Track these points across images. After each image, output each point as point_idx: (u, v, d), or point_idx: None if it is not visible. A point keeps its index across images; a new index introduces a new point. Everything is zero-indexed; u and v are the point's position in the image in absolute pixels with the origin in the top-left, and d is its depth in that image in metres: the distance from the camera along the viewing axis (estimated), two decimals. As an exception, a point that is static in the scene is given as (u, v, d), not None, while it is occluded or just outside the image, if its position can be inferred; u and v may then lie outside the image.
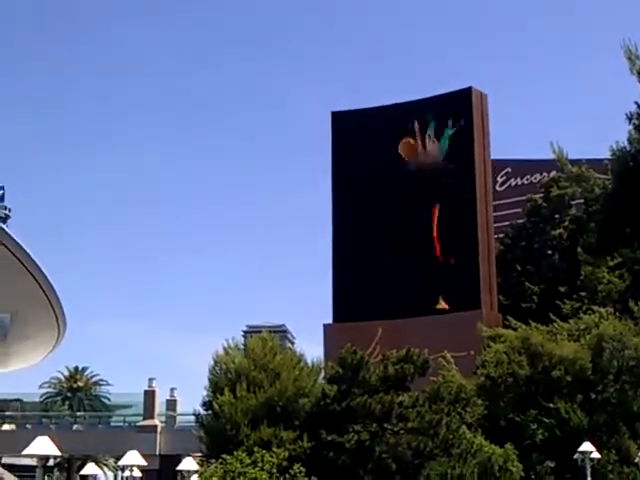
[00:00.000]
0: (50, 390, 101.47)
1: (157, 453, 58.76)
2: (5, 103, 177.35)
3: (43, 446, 23.22)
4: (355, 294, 52.99)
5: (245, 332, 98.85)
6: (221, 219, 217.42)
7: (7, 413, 72.90)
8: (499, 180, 70.79)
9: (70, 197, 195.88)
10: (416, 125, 53.91)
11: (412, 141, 53.74)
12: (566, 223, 60.84)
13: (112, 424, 73.27)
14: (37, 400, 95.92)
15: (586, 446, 34.52)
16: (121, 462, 35.81)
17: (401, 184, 53.89)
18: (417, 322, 49.65)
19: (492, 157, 55.91)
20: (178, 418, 64.36)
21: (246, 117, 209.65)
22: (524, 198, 64.34)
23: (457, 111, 53.92)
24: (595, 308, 45.84)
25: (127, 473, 35.42)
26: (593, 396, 39.86)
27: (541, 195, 62.86)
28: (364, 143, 55.40)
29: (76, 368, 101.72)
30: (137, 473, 35.03)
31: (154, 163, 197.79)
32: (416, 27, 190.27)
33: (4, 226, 45.61)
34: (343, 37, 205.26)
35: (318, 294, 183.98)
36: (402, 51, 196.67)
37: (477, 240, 51.47)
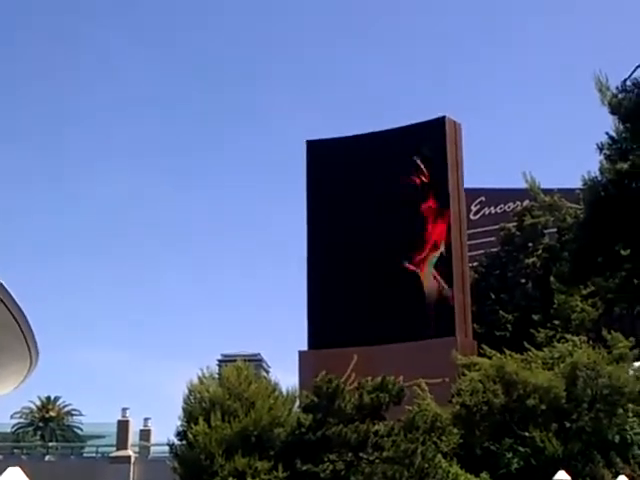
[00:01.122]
0: (22, 420, 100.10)
1: (130, 484, 58.22)
2: None
3: (14, 477, 22.92)
4: (330, 321, 53.09)
5: (220, 361, 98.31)
6: (195, 248, 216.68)
7: (-22, 444, 72.03)
8: (473, 209, 71.39)
9: (45, 223, 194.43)
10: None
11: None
12: (539, 252, 61.34)
13: (85, 455, 72.53)
14: (8, 430, 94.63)
15: (561, 475, 34.52)
16: (94, 493, 35.45)
17: (375, 212, 54.15)
18: (392, 349, 49.79)
19: (466, 186, 56.33)
20: (152, 448, 63.76)
21: (216, 142, 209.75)
22: (498, 227, 64.86)
23: (431, 140, 54.35)
24: (569, 336, 46.15)
25: (100, 505, 35.07)
26: (568, 425, 40.01)
27: (514, 224, 63.41)
28: (339, 171, 55.68)
29: (48, 398, 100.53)
30: (110, 504, 34.70)
31: (131, 192, 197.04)
32: (389, 58, 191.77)
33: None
34: (319, 67, 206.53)
35: (293, 322, 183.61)
36: (376, 82, 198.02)
37: (451, 268, 51.71)
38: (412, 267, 52.98)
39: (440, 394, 44.18)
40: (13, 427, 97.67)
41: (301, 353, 53.46)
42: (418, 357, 48.85)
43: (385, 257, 53.03)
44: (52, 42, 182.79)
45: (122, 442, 62.32)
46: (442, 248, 52.48)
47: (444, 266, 52.13)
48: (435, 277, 52.17)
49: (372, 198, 54.48)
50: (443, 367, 47.16)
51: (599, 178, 24.82)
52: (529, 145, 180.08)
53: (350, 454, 35.55)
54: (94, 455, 68.40)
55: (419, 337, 50.23)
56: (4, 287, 37.65)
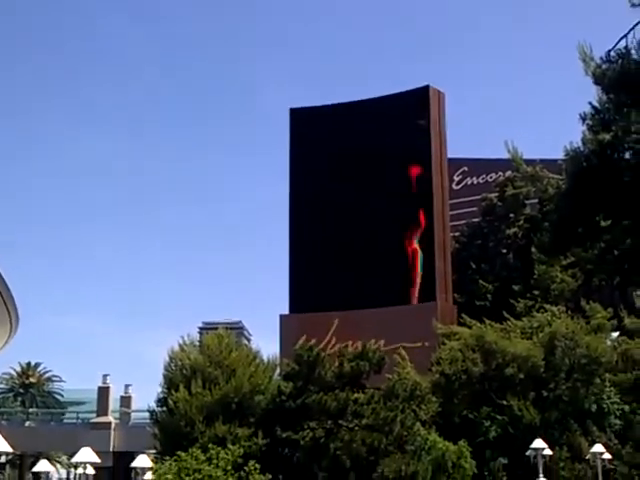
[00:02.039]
0: (2, 386, 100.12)
1: (111, 450, 58.34)
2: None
3: (-6, 443, 22.92)
4: (311, 285, 52.92)
5: (201, 328, 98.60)
6: (177, 217, 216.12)
7: (-42, 410, 71.97)
8: (455, 179, 71.31)
9: (30, 191, 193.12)
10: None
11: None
12: (521, 222, 61.44)
13: (65, 421, 72.53)
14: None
15: (538, 443, 34.95)
16: (74, 459, 35.36)
17: (358, 180, 53.99)
18: (373, 313, 49.86)
19: (449, 156, 56.22)
20: (132, 415, 63.90)
21: (201, 111, 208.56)
22: (479, 197, 64.87)
23: (414, 109, 54.13)
24: (548, 307, 46.43)
25: (80, 470, 35.07)
26: (545, 393, 40.39)
27: (496, 194, 63.42)
28: (322, 139, 55.40)
29: (28, 364, 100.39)
30: (90, 470, 34.67)
31: (112, 162, 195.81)
32: (375, 26, 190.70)
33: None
34: (302, 35, 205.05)
35: (275, 290, 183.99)
36: (360, 50, 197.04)
37: (433, 236, 51.69)
38: (396, 234, 52.67)
39: (420, 358, 44.50)
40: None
41: (282, 317, 53.38)
42: (399, 322, 48.99)
43: (368, 222, 52.86)
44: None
45: (103, 408, 62.38)
46: (425, 221, 52.30)
47: (427, 235, 51.99)
48: (416, 247, 52.06)
49: (355, 166, 54.21)
50: (424, 332, 47.38)
51: (581, 149, 24.81)
52: (512, 115, 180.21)
53: (330, 422, 35.83)
54: (75, 421, 68.49)
55: (400, 302, 50.28)
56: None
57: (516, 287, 54.73)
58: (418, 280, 51.43)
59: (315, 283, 52.88)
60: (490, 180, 70.01)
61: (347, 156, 54.47)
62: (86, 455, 33.27)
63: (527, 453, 35.51)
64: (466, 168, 72.49)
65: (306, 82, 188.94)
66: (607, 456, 36.76)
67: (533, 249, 54.83)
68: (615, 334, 45.82)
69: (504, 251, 61.55)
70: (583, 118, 24.03)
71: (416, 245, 52.09)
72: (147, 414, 43.09)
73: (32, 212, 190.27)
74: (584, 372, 40.57)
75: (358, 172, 54.11)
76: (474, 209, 65.43)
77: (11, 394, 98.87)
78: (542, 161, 59.92)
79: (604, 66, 22.61)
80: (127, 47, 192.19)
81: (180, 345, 42.44)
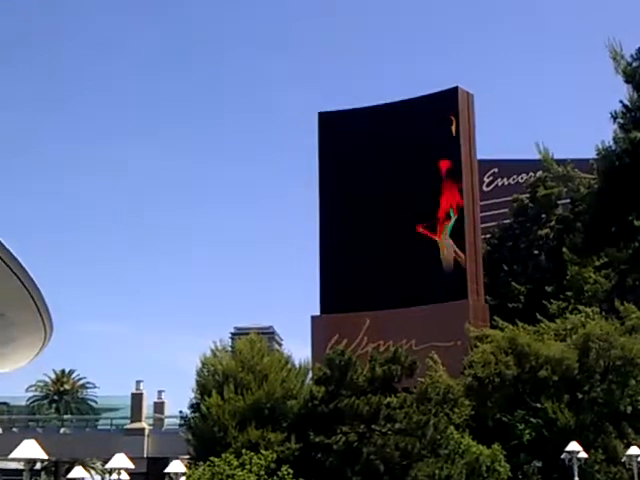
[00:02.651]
0: (37, 393, 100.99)
1: (145, 456, 58.63)
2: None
3: (30, 450, 22.98)
4: (342, 285, 52.78)
5: (233, 334, 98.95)
6: (209, 223, 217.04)
7: (-6, 417, 72.59)
8: (486, 180, 70.93)
9: (58, 197, 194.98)
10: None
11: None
12: (552, 223, 60.98)
13: (99, 427, 73.07)
14: (24, 403, 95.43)
15: (573, 446, 34.55)
16: (108, 465, 35.47)
17: (387, 179, 53.84)
18: (404, 313, 49.69)
19: (479, 157, 55.91)
20: (166, 420, 64.20)
21: (232, 116, 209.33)
22: (511, 198, 64.46)
23: (444, 111, 53.88)
24: (581, 308, 45.95)
25: (114, 476, 35.13)
26: (580, 396, 39.93)
27: (527, 195, 62.99)
28: (351, 143, 55.32)
29: (63, 371, 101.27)
30: (124, 476, 34.75)
31: (143, 163, 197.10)
32: (402, 28, 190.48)
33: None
34: (330, 39, 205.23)
35: (306, 296, 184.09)
36: (389, 52, 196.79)
37: (464, 238, 51.36)
38: (426, 232, 52.45)
39: (452, 357, 44.37)
40: (28, 400, 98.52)
41: (314, 318, 53.34)
42: (430, 321, 48.87)
43: (398, 222, 52.62)
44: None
45: (136, 414, 62.73)
46: (456, 216, 52.04)
47: (457, 235, 51.71)
48: (449, 242, 51.76)
49: (384, 168, 54.06)
50: (455, 331, 47.26)
51: (613, 147, 24.67)
52: (542, 116, 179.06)
53: (362, 426, 35.66)
54: (108, 427, 68.96)
55: (431, 301, 50.03)
56: (20, 263, 37.78)
57: (549, 288, 54.28)
58: (449, 278, 51.05)
59: (346, 283, 52.76)
60: (521, 181, 69.59)
61: (376, 157, 54.41)
62: (120, 461, 33.38)
63: (562, 456, 35.12)
64: (496, 169, 72.10)
65: (333, 85, 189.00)
66: (643, 458, 36.27)
67: (565, 250, 54.40)
68: (650, 335, 45.24)
69: (536, 252, 61.08)
70: (614, 117, 23.89)
71: (449, 243, 51.71)
72: (180, 420, 43.22)
73: (63, 211, 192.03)
74: (619, 374, 40.09)
75: (387, 172, 53.97)
76: (505, 210, 65.04)
77: (46, 401, 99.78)
78: (573, 161, 59.43)
79: (634, 64, 22.43)
80: (143, 46, 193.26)
81: (212, 351, 42.56)
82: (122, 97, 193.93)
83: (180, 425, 45.71)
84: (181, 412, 58.81)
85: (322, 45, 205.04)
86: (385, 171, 54.09)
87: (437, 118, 53.74)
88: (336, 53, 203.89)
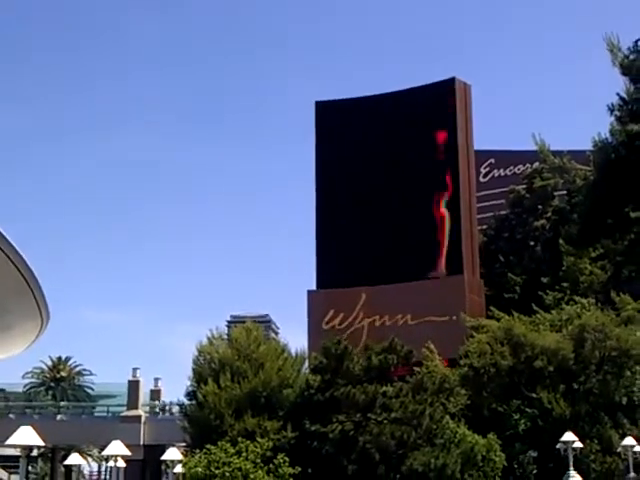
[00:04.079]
0: (33, 380, 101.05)
1: (141, 443, 58.70)
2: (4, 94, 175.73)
3: (26, 436, 23.07)
4: (339, 261, 52.97)
5: (229, 322, 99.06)
6: (204, 211, 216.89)
7: (-10, 403, 72.60)
8: (482, 171, 70.94)
9: (56, 185, 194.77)
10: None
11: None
12: (549, 214, 61.09)
13: (96, 414, 72.98)
14: (20, 390, 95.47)
15: (568, 436, 34.77)
16: (105, 452, 35.65)
17: (386, 169, 53.90)
18: (400, 288, 50.11)
19: (475, 148, 55.91)
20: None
21: (231, 109, 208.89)
22: (507, 189, 64.54)
23: (441, 101, 53.87)
24: (577, 299, 46.17)
25: (111, 463, 35.30)
26: (575, 386, 40.16)
27: (524, 186, 63.09)
28: (348, 132, 55.31)
29: (59, 358, 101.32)
30: (121, 463, 34.92)
31: (145, 154, 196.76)
32: (400, 18, 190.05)
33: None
34: (327, 30, 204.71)
35: (302, 283, 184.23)
36: (386, 42, 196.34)
37: (460, 227, 51.43)
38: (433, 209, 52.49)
39: (447, 332, 45.63)
40: (25, 387, 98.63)
41: (310, 292, 53.45)
42: (426, 296, 49.43)
43: (395, 198, 52.86)
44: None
45: (133, 402, 62.82)
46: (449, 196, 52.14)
47: (453, 213, 51.82)
48: (445, 217, 51.90)
49: (382, 153, 54.01)
50: (451, 305, 48.00)
51: (609, 140, 24.73)
52: (539, 107, 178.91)
53: (358, 415, 35.81)
54: (105, 415, 68.95)
55: (427, 277, 50.31)
56: (16, 250, 37.81)
57: (545, 279, 54.45)
58: (445, 252, 51.21)
59: (342, 259, 53.04)
60: (517, 172, 69.60)
61: (373, 143, 54.52)
62: (117, 448, 33.54)
63: (557, 446, 35.35)
64: (493, 160, 72.09)
65: (330, 75, 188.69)
66: (638, 449, 36.50)
67: (561, 241, 54.53)
68: (645, 326, 45.41)
69: (532, 243, 61.23)
70: (611, 109, 23.95)
71: (444, 210, 51.88)
72: (177, 407, 43.35)
73: (61, 195, 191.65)
74: (614, 364, 40.29)
75: (385, 162, 54.00)
76: (501, 201, 65.11)
77: (42, 388, 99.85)
78: (570, 152, 59.46)
79: (632, 57, 22.50)
80: (147, 43, 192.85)
81: (209, 339, 42.66)
82: (122, 91, 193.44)
83: (177, 413, 45.66)
84: (164, 403, 59.60)
85: (321, 39, 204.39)
86: (382, 160, 54.09)
87: (435, 108, 53.79)
88: (335, 47, 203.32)
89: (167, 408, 63.30)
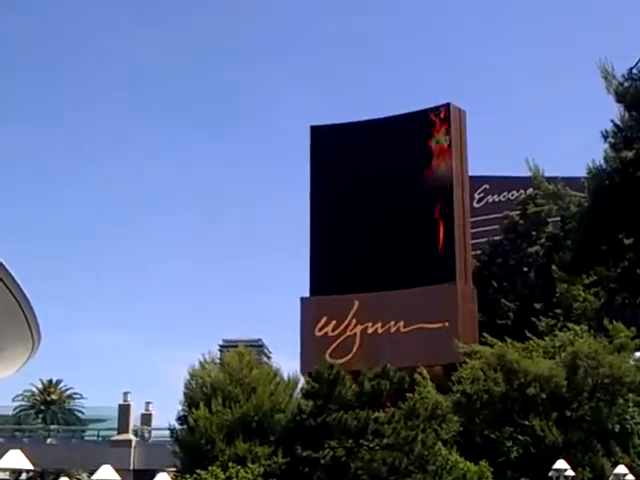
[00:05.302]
0: (23, 403, 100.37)
1: (131, 468, 58.37)
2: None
3: (16, 460, 22.94)
4: (331, 268, 53.04)
5: (221, 346, 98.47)
6: (196, 234, 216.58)
7: (-20, 426, 72.21)
8: (476, 197, 71.06)
9: (46, 206, 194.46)
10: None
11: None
12: (542, 240, 61.16)
13: (86, 438, 72.69)
14: (10, 413, 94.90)
15: (560, 464, 34.56)
16: (94, 477, 35.27)
17: (379, 197, 54.03)
18: (393, 295, 50.20)
19: (470, 173, 56.09)
20: (153, 432, 63.91)
21: (223, 126, 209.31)
22: (501, 215, 64.67)
23: (435, 127, 54.11)
24: (570, 325, 46.09)
25: (100, 488, 34.95)
26: (568, 414, 39.98)
27: (518, 212, 63.20)
28: (343, 157, 55.48)
29: (50, 381, 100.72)
30: (110, 488, 34.59)
31: (143, 178, 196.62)
32: (395, 43, 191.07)
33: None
34: (323, 52, 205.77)
35: (295, 307, 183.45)
36: (381, 67, 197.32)
37: (453, 236, 51.49)
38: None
39: (439, 340, 46.46)
40: (15, 410, 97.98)
41: (303, 299, 53.47)
42: (418, 303, 49.52)
43: (388, 206, 53.19)
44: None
45: (123, 426, 62.46)
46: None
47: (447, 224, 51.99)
48: (439, 227, 52.06)
49: (376, 183, 54.17)
50: (443, 313, 48.45)
51: (604, 166, 24.73)
52: (533, 133, 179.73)
53: (350, 441, 35.58)
54: (95, 438, 68.60)
55: (420, 284, 50.21)
56: (8, 272, 37.73)
57: (538, 306, 54.42)
58: (437, 261, 51.28)
59: (335, 266, 53.12)
60: (511, 198, 69.75)
61: (368, 165, 54.69)
62: (106, 473, 33.20)
63: (549, 474, 35.10)
64: (487, 186, 72.26)
65: (325, 99, 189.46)
66: (630, 477, 36.15)
67: (554, 267, 54.54)
68: (638, 354, 45.32)
69: (526, 269, 61.23)
70: (605, 136, 23.95)
71: (437, 219, 52.09)
72: (167, 432, 43.08)
73: (47, 219, 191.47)
74: (607, 392, 40.17)
75: (378, 187, 54.09)
76: (495, 227, 65.23)
77: (32, 411, 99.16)
78: (564, 179, 59.57)
79: (626, 84, 22.55)
80: (141, 56, 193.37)
81: (201, 363, 42.48)
82: (117, 104, 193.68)
83: (168, 438, 45.09)
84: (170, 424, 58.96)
85: (319, 56, 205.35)
86: (377, 180, 54.17)
87: (429, 133, 54.01)
88: (331, 67, 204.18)
89: (148, 434, 62.86)
